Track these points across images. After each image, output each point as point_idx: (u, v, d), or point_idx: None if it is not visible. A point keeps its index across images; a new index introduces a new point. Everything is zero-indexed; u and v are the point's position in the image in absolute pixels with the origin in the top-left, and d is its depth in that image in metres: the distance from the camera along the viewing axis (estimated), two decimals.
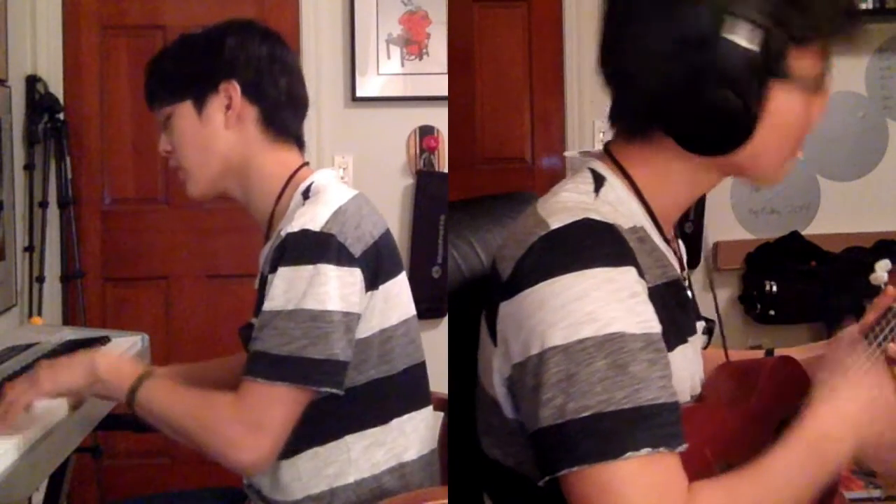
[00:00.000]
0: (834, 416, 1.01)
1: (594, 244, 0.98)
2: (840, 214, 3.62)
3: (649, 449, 0.90)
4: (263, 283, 1.40)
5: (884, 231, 3.54)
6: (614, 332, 0.93)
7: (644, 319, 0.96)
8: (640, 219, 1.08)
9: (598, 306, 0.94)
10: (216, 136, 1.47)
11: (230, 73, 1.46)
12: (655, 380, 0.93)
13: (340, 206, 1.37)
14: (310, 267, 1.32)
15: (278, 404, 1.32)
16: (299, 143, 1.54)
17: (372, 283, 1.38)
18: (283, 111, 1.49)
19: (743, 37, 0.96)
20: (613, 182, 1.08)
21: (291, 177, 1.48)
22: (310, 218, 1.35)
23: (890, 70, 3.62)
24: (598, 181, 1.08)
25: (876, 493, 2.63)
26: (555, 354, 0.94)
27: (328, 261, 1.32)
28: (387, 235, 1.45)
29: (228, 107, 1.47)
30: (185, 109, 1.48)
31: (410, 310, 1.49)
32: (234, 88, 1.46)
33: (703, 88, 0.98)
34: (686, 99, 0.99)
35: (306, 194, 1.43)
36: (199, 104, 1.47)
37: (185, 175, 1.52)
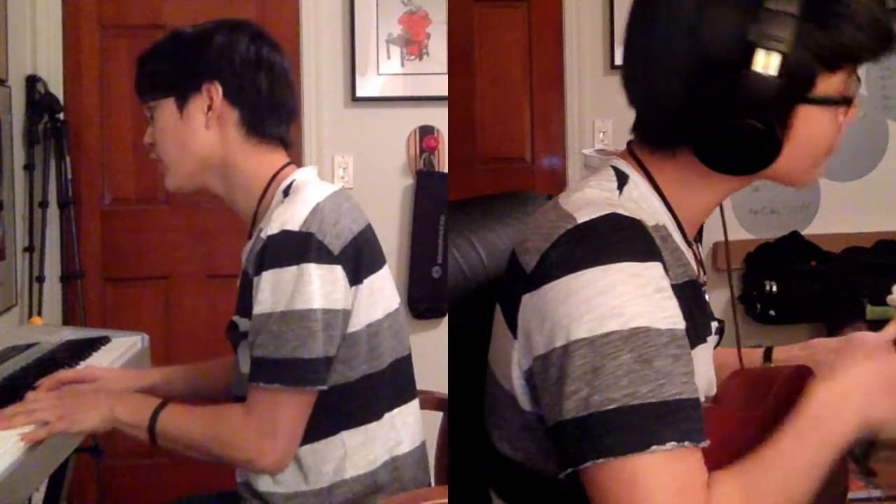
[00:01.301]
0: (838, 387, 1.00)
1: (621, 239, 0.98)
2: (840, 214, 3.63)
3: (674, 443, 0.90)
4: (247, 282, 1.41)
5: (884, 231, 3.55)
6: (640, 327, 0.94)
7: (669, 315, 0.96)
8: (663, 218, 1.08)
9: (625, 300, 0.94)
10: (195, 135, 1.48)
11: (214, 75, 1.47)
12: (679, 375, 0.94)
13: (318, 204, 1.39)
14: (293, 268, 1.34)
15: (283, 406, 1.36)
16: (284, 144, 1.54)
17: (355, 278, 1.39)
18: (265, 116, 1.49)
19: (770, 66, 0.96)
20: (636, 180, 1.09)
21: (274, 176, 1.49)
22: (288, 217, 1.36)
23: (890, 70, 3.62)
24: (622, 179, 1.09)
25: (876, 492, 2.63)
26: (580, 347, 0.94)
27: (310, 260, 1.34)
28: (367, 231, 1.47)
29: (210, 108, 1.47)
30: (168, 106, 1.49)
31: (394, 303, 1.50)
32: (216, 90, 1.46)
33: (728, 115, 0.98)
34: (711, 123, 0.99)
35: (287, 192, 1.45)
36: (182, 102, 1.48)
37: (164, 168, 1.54)
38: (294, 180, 1.46)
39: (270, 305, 1.34)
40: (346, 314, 1.38)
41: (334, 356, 1.38)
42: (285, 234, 1.34)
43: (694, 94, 0.99)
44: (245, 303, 1.40)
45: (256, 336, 1.36)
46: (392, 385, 1.47)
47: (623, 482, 0.91)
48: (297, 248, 1.34)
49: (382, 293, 1.46)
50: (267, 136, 1.50)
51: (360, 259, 1.41)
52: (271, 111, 1.50)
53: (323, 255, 1.35)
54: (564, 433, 0.95)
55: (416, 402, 1.53)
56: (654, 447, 0.90)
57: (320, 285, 1.34)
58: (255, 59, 1.49)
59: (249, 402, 1.37)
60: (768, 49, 0.96)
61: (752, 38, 0.96)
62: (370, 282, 1.42)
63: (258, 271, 1.36)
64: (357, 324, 1.40)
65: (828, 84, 1.02)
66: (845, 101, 1.04)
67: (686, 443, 0.91)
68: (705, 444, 0.93)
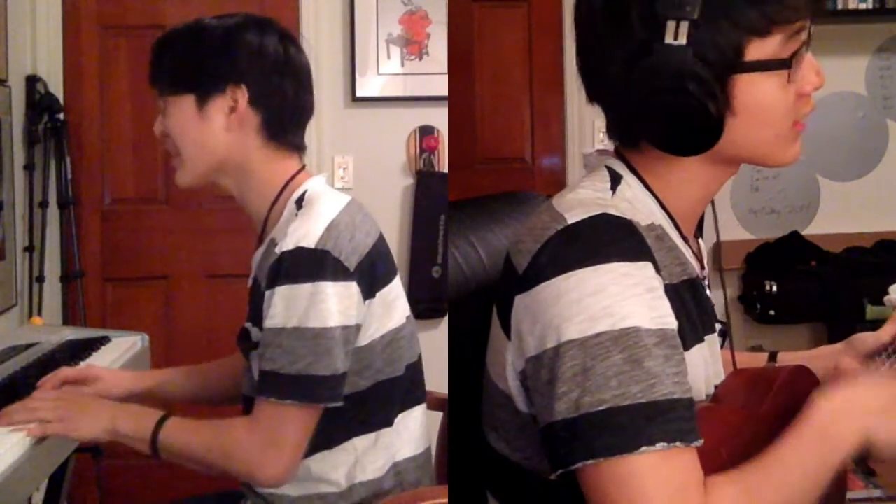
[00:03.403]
0: (843, 400, 1.01)
1: (611, 239, 0.98)
2: (840, 214, 3.63)
3: (664, 444, 0.90)
4: (258, 293, 1.40)
5: (884, 231, 3.55)
6: (630, 327, 0.93)
7: (660, 315, 0.96)
8: (658, 217, 1.08)
9: (615, 301, 0.94)
10: (214, 136, 1.45)
11: (241, 78, 1.42)
12: (670, 375, 0.93)
13: (333, 220, 1.37)
14: (308, 285, 1.33)
15: (291, 421, 1.35)
16: (299, 149, 1.52)
17: (368, 292, 1.39)
18: (286, 120, 1.47)
19: (681, 35, 0.97)
20: (630, 180, 1.09)
21: (288, 182, 1.47)
22: (304, 234, 1.35)
23: (890, 70, 3.62)
24: (615, 179, 1.09)
25: (876, 492, 2.62)
26: (571, 348, 0.94)
27: (325, 278, 1.33)
28: (380, 242, 1.46)
29: (233, 109, 1.43)
30: (186, 102, 1.44)
31: (406, 311, 1.50)
32: (243, 94, 1.43)
33: (658, 96, 0.98)
34: (648, 108, 1.00)
35: (300, 203, 1.42)
36: (202, 101, 1.44)
37: (178, 163, 1.49)
38: (306, 190, 1.44)
39: (282, 320, 1.33)
40: (358, 329, 1.38)
41: (345, 371, 1.37)
42: (301, 251, 1.33)
43: (629, 85, 1.00)
44: (256, 312, 1.39)
45: (266, 349, 1.36)
46: (405, 389, 1.47)
47: (615, 483, 0.91)
48: (313, 265, 1.33)
49: (396, 302, 1.46)
50: (284, 142, 1.47)
51: (374, 273, 1.40)
52: (293, 116, 1.48)
53: (339, 272, 1.34)
54: (556, 434, 0.95)
55: (421, 408, 1.51)
56: (643, 448, 0.90)
57: (336, 302, 1.33)
58: (284, 63, 1.45)
59: (255, 415, 1.36)
60: (676, 19, 0.96)
61: (659, 11, 0.97)
62: (383, 294, 1.42)
63: (271, 286, 1.35)
64: (369, 336, 1.39)
65: (761, 49, 1.00)
66: (784, 65, 1.02)
67: (677, 443, 0.91)
68: (698, 443, 0.93)
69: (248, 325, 1.43)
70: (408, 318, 1.49)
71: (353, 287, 1.36)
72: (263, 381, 1.35)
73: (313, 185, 1.46)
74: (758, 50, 1.00)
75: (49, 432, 1.41)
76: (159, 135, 1.50)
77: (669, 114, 0.99)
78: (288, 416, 1.34)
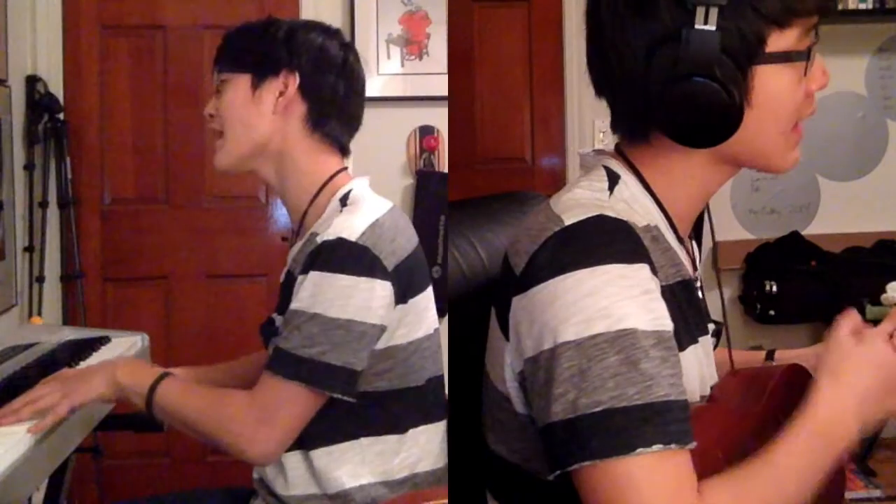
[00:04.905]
0: (838, 400, 1.01)
1: (608, 241, 0.98)
2: (840, 214, 3.63)
3: (661, 445, 0.90)
4: (289, 282, 1.42)
5: (884, 231, 3.55)
6: (627, 329, 0.93)
7: (656, 317, 0.96)
8: (655, 217, 1.08)
9: (612, 302, 0.94)
10: (260, 117, 1.49)
11: (296, 66, 1.48)
12: (666, 377, 0.93)
13: (378, 219, 1.40)
14: (341, 276, 1.34)
15: (292, 402, 1.36)
16: (343, 150, 1.55)
17: (402, 297, 1.40)
18: (331, 118, 1.51)
19: (710, 21, 0.97)
20: (628, 180, 1.09)
21: (329, 180, 1.49)
22: (347, 227, 1.37)
23: (890, 70, 3.62)
24: (613, 179, 1.09)
25: (876, 492, 2.62)
26: (567, 349, 0.94)
27: (360, 273, 1.35)
28: (418, 250, 1.48)
29: (282, 93, 1.48)
30: (242, 82, 1.50)
31: (435, 323, 1.51)
32: (294, 79, 1.48)
33: (683, 82, 0.98)
34: (670, 95, 1.00)
35: (344, 201, 1.45)
36: (257, 82, 1.49)
37: (220, 144, 1.53)
38: (351, 190, 1.47)
39: (307, 304, 1.35)
40: (383, 330, 1.39)
41: (363, 369, 1.37)
42: (342, 243, 1.35)
43: (651, 71, 1.00)
44: (285, 301, 1.41)
45: (285, 327, 1.37)
46: (423, 402, 1.47)
47: (612, 484, 0.91)
48: (351, 259, 1.35)
49: (427, 312, 1.47)
50: (328, 138, 1.51)
51: (410, 279, 1.41)
52: (339, 116, 1.52)
53: (376, 270, 1.36)
54: (553, 435, 0.95)
55: (443, 424, 1.51)
56: (639, 449, 0.90)
57: (367, 299, 1.35)
58: (340, 65, 1.51)
59: (258, 389, 1.37)
60: (706, 5, 0.97)
61: (693, 1, 0.97)
62: (416, 301, 1.43)
63: (305, 271, 1.37)
64: (394, 340, 1.40)
65: (781, 41, 1.01)
66: (801, 56, 1.03)
67: (672, 445, 0.91)
68: (692, 445, 0.93)
69: (274, 315, 1.44)
70: (436, 329, 1.50)
71: (387, 287, 1.37)
72: (275, 357, 1.36)
73: (358, 185, 1.50)
74: (776, 42, 1.01)
75: (59, 415, 1.42)
76: (207, 116, 1.55)
77: (692, 100, 0.99)
78: (290, 395, 1.35)
